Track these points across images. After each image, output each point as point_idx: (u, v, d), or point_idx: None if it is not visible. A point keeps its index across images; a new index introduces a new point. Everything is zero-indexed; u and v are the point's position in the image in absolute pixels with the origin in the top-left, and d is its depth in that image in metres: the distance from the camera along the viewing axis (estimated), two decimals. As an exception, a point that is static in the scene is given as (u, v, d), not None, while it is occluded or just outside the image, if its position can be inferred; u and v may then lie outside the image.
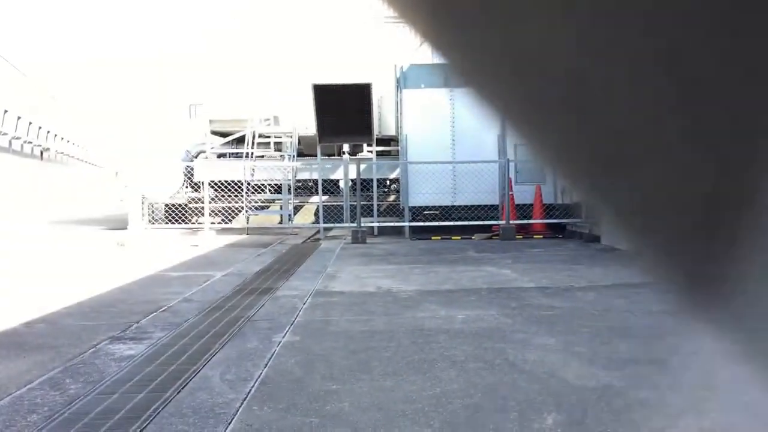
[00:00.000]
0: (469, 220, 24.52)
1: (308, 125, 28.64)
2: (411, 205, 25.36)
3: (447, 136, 25.45)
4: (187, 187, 28.59)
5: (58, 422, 5.82)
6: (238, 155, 29.54)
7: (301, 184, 29.54)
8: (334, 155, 29.45)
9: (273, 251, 20.28)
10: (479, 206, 24.96)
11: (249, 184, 27.04)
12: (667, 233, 0.67)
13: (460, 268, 15.81)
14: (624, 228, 0.70)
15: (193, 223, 26.58)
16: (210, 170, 26.71)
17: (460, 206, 25.22)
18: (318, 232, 25.81)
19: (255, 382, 6.87)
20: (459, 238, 23.67)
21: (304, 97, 28.11)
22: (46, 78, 61.13)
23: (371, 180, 26.59)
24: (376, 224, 25.75)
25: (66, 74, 76.73)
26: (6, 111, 48.72)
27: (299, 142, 29.13)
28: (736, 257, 0.63)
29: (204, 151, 29.79)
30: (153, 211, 28.16)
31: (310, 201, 29.31)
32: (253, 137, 29.10)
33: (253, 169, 27.31)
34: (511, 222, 23.83)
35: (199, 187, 27.38)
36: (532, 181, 25.25)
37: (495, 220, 24.58)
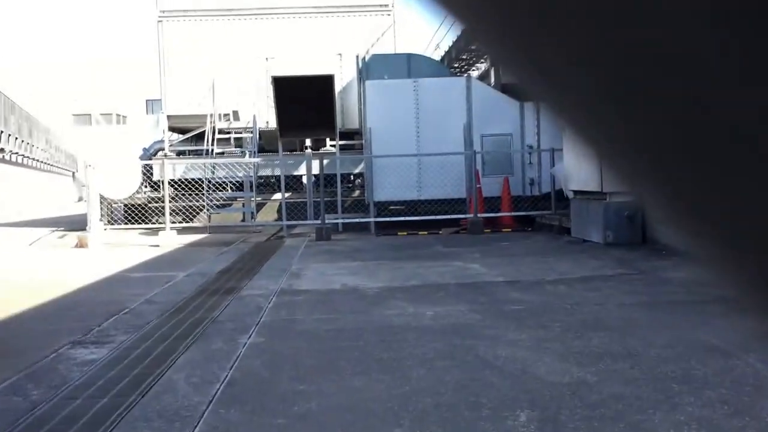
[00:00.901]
0: (436, 215, 24.52)
1: (269, 120, 28.58)
2: (376, 200, 25.34)
3: (412, 128, 25.44)
4: (146, 186, 28.46)
5: (23, 428, 5.81)
6: (197, 152, 29.42)
7: (263, 180, 29.42)
8: (296, 150, 29.36)
9: (236, 250, 20.25)
10: (446, 200, 24.95)
11: (210, 181, 26.94)
12: (741, 235, 0.66)
13: (427, 264, 15.84)
14: (690, 228, 0.69)
15: (154, 223, 26.46)
16: (169, 168, 26.60)
17: (426, 200, 25.21)
18: (281, 229, 25.75)
19: (221, 385, 6.87)
20: (426, 233, 23.68)
21: (264, 90, 28.06)
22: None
23: (335, 175, 26.52)
24: (340, 221, 25.69)
25: (17, 77, 76.29)
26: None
27: (260, 138, 29.01)
28: None
29: (163, 149, 29.64)
30: (112, 212, 28.02)
31: (272, 198, 29.23)
32: (213, 133, 28.99)
33: (213, 166, 27.20)
34: (479, 215, 23.85)
35: (158, 186, 27.26)
36: (499, 173, 25.29)
37: (462, 213, 24.60)
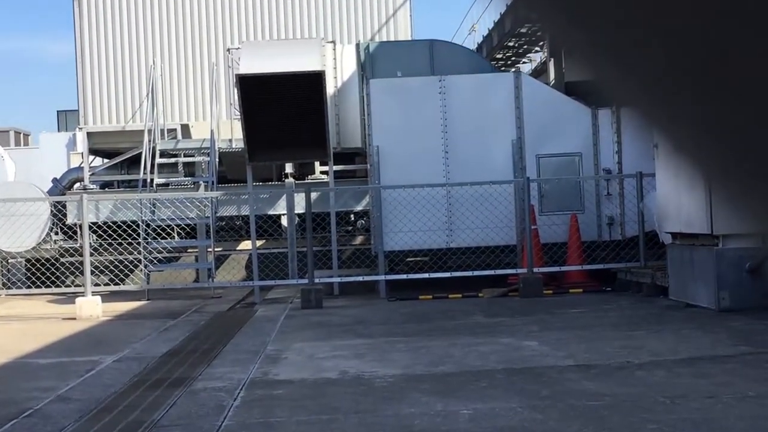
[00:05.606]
0: (474, 270, 24.46)
1: (233, 137, 28.52)
2: (387, 249, 25.27)
3: (437, 146, 25.36)
4: (56, 233, 28.46)
5: None
6: (130, 184, 29.42)
7: (225, 223, 29.47)
8: (272, 180, 29.35)
9: (187, 323, 20.25)
10: (488, 248, 24.88)
11: (149, 225, 26.89)
12: None
13: (462, 341, 15.81)
14: None
15: (69, 285, 26.44)
16: (91, 207, 26.59)
17: (459, 249, 25.15)
18: (252, 293, 25.75)
19: None
20: (459, 296, 23.61)
21: (225, 94, 28.06)
22: None
23: (328, 214, 26.48)
24: (336, 280, 25.63)
25: None
26: None
27: (220, 163, 28.96)
28: None
29: (81, 180, 29.66)
30: (9, 270, 28.02)
31: (238, 248, 29.25)
32: (153, 157, 28.88)
33: (153, 204, 27.16)
34: (535, 270, 23.73)
35: (75, 232, 27.26)
36: (564, 209, 25.15)
37: (511, 267, 24.53)
